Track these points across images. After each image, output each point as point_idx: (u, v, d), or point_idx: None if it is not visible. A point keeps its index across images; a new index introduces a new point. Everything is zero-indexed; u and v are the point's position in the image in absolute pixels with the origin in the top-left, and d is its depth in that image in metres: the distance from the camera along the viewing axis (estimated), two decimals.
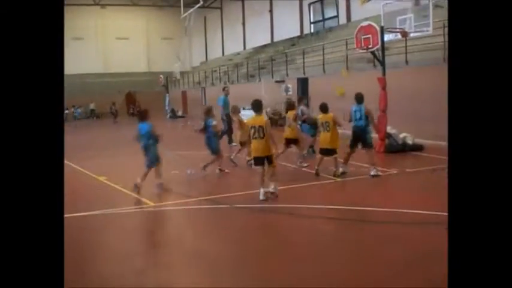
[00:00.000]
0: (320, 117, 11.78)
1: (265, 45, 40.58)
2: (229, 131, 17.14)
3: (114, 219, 8.65)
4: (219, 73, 39.34)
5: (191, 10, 40.99)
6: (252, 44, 44.10)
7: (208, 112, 12.35)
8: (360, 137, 11.52)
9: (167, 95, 43.10)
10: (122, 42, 54.88)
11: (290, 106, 13.69)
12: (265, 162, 9.37)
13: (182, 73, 47.55)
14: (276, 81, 28.06)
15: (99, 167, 13.97)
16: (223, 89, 19.20)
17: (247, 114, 14.89)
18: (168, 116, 40.83)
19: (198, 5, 38.22)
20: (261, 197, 9.22)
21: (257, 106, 9.55)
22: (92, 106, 47.89)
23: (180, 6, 42.44)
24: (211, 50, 54.80)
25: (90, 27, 53.18)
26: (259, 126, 9.23)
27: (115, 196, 10.44)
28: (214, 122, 12.16)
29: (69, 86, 49.01)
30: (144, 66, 56.14)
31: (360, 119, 11.44)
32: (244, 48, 45.80)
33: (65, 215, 8.68)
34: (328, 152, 11.41)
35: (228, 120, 17.04)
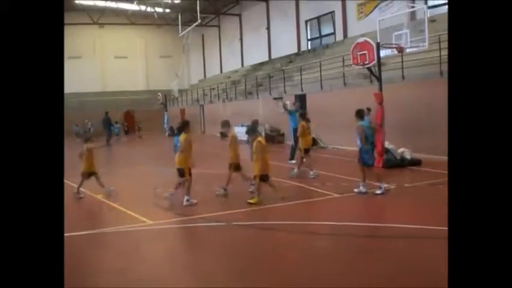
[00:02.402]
0: None
1: (262, 63, 40.76)
2: None
3: (111, 237, 8.61)
4: (218, 90, 39.45)
5: (189, 28, 41.25)
6: (249, 61, 44.29)
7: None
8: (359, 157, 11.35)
9: (166, 112, 43.15)
10: (121, 60, 55.10)
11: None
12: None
13: (180, 91, 47.66)
14: (274, 98, 28.13)
15: (96, 185, 13.93)
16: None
17: (242, 131, 14.94)
18: (167, 133, 40.82)
19: (196, 23, 38.50)
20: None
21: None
22: (89, 125, 47.90)
23: (178, 25, 42.74)
24: (209, 68, 55.03)
25: (88, 46, 53.41)
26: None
27: (113, 214, 10.41)
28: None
29: (67, 105, 49.26)
30: (142, 85, 56.30)
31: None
32: (242, 65, 45.99)
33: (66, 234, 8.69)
34: None
35: None
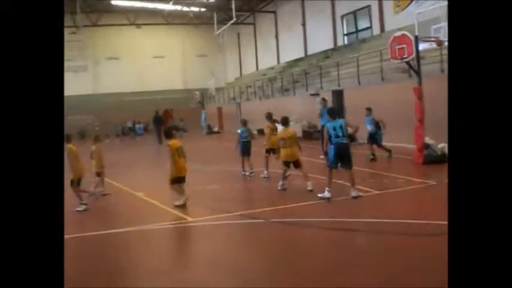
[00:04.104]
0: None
1: (298, 59, 40.58)
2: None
3: (152, 234, 8.73)
4: (254, 88, 39.50)
5: (225, 27, 41.44)
6: (285, 58, 44.16)
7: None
8: (342, 156, 10.65)
9: (203, 111, 43.46)
10: (158, 60, 55.76)
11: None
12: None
13: (217, 89, 47.94)
14: (311, 94, 28.00)
15: (136, 183, 14.18)
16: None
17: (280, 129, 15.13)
18: (205, 132, 41.15)
19: (231, 22, 38.66)
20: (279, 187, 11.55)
21: (285, 121, 11.77)
22: (129, 124, 48.65)
23: (213, 24, 42.98)
24: (246, 66, 55.12)
25: (126, 47, 54.25)
26: (289, 137, 11.56)
27: (153, 212, 10.56)
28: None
29: (106, 104, 50.19)
30: (180, 84, 56.83)
31: (343, 136, 10.55)
32: (278, 62, 45.90)
33: (104, 231, 8.87)
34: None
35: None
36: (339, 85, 25.70)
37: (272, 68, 45.13)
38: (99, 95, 53.12)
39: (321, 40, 37.52)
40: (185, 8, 47.21)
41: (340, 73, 25.93)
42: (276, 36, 46.41)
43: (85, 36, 47.70)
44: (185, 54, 57.44)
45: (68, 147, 10.99)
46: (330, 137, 10.50)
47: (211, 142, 33.12)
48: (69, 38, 46.78)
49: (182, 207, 10.45)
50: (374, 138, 16.72)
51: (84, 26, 45.74)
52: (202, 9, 47.64)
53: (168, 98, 52.29)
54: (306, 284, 5.83)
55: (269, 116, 14.54)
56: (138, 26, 50.72)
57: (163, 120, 36.17)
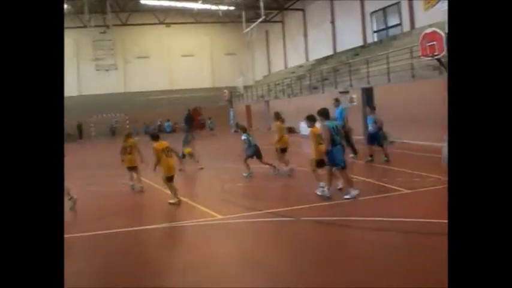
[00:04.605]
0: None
1: (327, 56, 40.38)
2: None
3: (183, 231, 8.80)
4: (282, 86, 39.44)
5: (253, 25, 41.48)
6: (314, 55, 43.98)
7: None
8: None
9: (231, 109, 43.59)
10: (187, 59, 56.19)
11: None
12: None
13: (246, 87, 48.00)
14: (340, 92, 27.80)
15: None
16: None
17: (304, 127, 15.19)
18: (233, 130, 41.26)
19: (260, 20, 38.65)
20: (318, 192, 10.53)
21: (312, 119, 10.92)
22: (158, 122, 49.14)
23: (242, 22, 43.06)
24: (274, 63, 55.11)
25: (155, 46, 54.81)
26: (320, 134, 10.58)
27: (183, 209, 10.64)
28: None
29: (136, 103, 50.78)
30: (208, 82, 57.15)
31: (339, 137, 10.53)
32: (307, 60, 45.75)
33: (132, 228, 8.97)
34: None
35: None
36: (368, 83, 25.47)
37: (301, 66, 45.00)
38: (129, 93, 53.79)
39: (350, 37, 37.25)
40: (214, 7, 47.40)
41: (370, 70, 25.69)
42: (305, 34, 46.26)
43: (115, 36, 48.26)
44: (214, 52, 57.74)
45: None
46: (333, 137, 10.31)
47: (240, 140, 33.18)
48: (100, 37, 47.41)
49: (176, 204, 10.74)
50: (374, 138, 15.84)
51: (114, 25, 46.27)
52: (231, 8, 47.76)
53: (197, 97, 52.64)
54: (338, 284, 5.79)
55: (277, 116, 14.85)
56: (168, 24, 51.10)
57: (193, 119, 36.46)
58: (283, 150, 14.43)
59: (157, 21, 49.40)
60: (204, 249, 7.73)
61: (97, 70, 48.58)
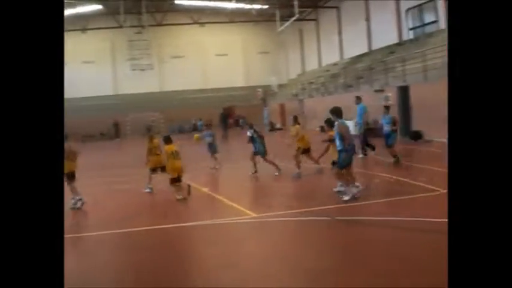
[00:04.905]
0: None
1: (362, 54, 39.97)
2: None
3: (217, 229, 8.84)
4: (317, 84, 39.24)
5: (287, 23, 41.37)
6: (349, 53, 43.61)
7: None
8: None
9: (265, 108, 43.56)
10: (221, 58, 56.49)
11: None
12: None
13: (279, 86, 47.94)
14: (375, 91, 27.49)
15: (201, 178, 14.42)
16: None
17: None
18: (267, 129, 41.25)
19: (294, 18, 38.52)
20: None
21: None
22: (193, 121, 49.47)
23: (275, 20, 42.99)
24: (308, 62, 54.85)
25: (190, 45, 55.27)
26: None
27: (218, 207, 10.69)
28: None
29: (171, 102, 51.29)
30: (242, 81, 57.31)
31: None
32: (341, 58, 45.40)
33: (167, 226, 9.07)
34: None
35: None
36: (404, 81, 25.12)
37: (335, 64, 44.68)
38: (165, 92, 54.37)
39: (385, 35, 36.75)
40: (247, 6, 47.50)
41: (406, 68, 25.32)
42: (339, 32, 45.88)
43: (150, 36, 48.86)
44: (247, 51, 57.84)
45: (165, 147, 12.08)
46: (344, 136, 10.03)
47: (274, 139, 33.16)
48: (135, 37, 48.10)
49: (183, 200, 11.40)
50: (387, 139, 15.31)
51: (150, 25, 46.84)
52: (265, 7, 47.76)
53: (231, 95, 52.87)
54: (378, 284, 5.71)
55: (295, 119, 14.98)
56: (202, 24, 51.47)
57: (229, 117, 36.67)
58: (307, 151, 14.46)
59: (192, 21, 49.80)
60: (239, 247, 7.74)
61: (132, 70, 49.29)
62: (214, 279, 6.29)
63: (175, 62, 55.43)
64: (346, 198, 10.08)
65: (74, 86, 53.95)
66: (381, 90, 26.69)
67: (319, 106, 31.56)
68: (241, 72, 57.87)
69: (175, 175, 11.65)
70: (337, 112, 10.36)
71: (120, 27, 45.97)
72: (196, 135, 17.40)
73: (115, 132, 46.96)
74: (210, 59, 56.50)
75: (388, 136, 15.30)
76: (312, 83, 40.84)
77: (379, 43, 37.99)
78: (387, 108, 16.17)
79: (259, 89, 45.06)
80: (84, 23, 48.35)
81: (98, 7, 45.11)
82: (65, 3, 33.88)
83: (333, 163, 11.04)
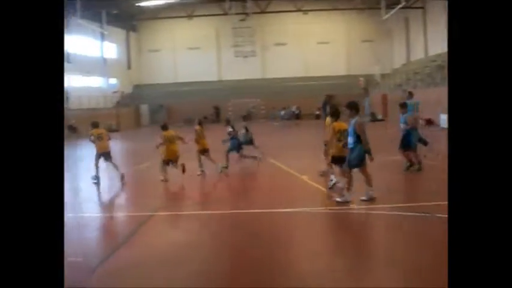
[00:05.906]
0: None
1: None
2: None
3: (312, 217, 8.96)
4: (422, 75, 38.00)
5: (392, 11, 40.29)
6: None
7: None
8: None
9: (367, 98, 42.83)
10: (323, 46, 56.18)
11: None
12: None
13: (382, 75, 46.88)
14: None
15: (301, 166, 14.56)
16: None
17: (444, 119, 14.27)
18: (368, 119, 40.50)
19: (400, 6, 37.43)
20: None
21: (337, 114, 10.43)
22: (293, 108, 49.73)
23: (380, 8, 42.00)
24: (413, 51, 53.07)
25: (292, 33, 55.43)
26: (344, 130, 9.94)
27: (316, 195, 10.80)
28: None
29: (272, 89, 51.81)
30: (343, 70, 56.67)
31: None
32: None
33: (257, 210, 9.31)
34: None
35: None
36: None
37: (441, 55, 42.92)
38: (267, 79, 55.05)
39: None
40: None
41: None
42: (448, 21, 43.93)
43: (254, 23, 49.54)
44: (350, 39, 57.06)
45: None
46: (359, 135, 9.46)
47: (375, 130, 32.54)
48: (239, 24, 48.98)
49: (165, 181, 13.00)
50: (404, 141, 13.46)
51: (254, 12, 47.50)
52: None
53: (331, 84, 52.51)
54: None
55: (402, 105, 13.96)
56: (305, 12, 51.38)
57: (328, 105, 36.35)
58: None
59: (295, 9, 49.86)
60: (335, 237, 7.83)
61: (236, 57, 50.28)
62: (300, 269, 6.45)
63: (277, 49, 55.91)
64: (339, 199, 9.61)
65: (179, 71, 56.01)
66: None
67: (424, 97, 30.53)
68: (343, 61, 57.24)
69: (170, 157, 13.28)
70: (355, 107, 9.80)
71: (225, 14, 46.99)
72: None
73: (216, 115, 48.31)
74: (312, 46, 56.36)
75: (404, 138, 13.51)
76: (417, 73, 39.57)
77: None
78: (403, 106, 14.04)
79: (361, 78, 44.30)
80: (190, 10, 49.98)
81: None
82: None
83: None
